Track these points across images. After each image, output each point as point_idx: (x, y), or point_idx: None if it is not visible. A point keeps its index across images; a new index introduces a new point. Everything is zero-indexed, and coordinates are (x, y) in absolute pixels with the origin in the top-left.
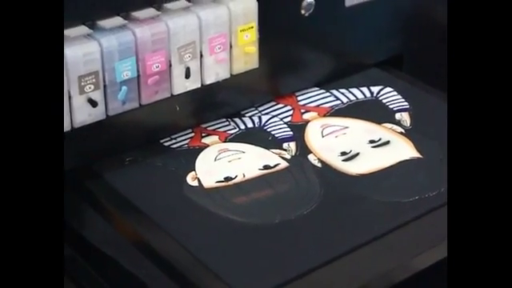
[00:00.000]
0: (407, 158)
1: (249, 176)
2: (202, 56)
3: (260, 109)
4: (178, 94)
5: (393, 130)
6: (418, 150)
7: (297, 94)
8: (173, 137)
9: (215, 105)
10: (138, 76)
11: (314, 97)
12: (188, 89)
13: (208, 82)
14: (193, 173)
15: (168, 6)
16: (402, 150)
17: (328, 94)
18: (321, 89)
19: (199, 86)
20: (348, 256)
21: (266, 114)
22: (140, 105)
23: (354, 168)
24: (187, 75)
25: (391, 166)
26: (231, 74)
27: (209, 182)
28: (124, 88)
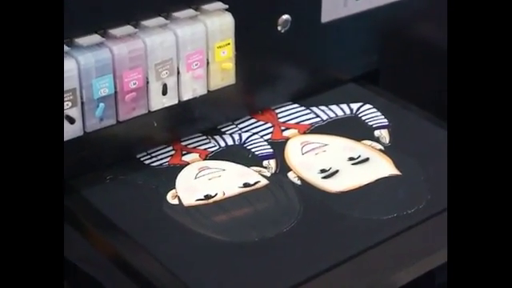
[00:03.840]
0: (386, 175)
1: (229, 194)
2: (179, 73)
3: (240, 126)
4: (156, 110)
5: (372, 147)
6: (397, 167)
7: (277, 111)
8: (153, 154)
9: (192, 120)
10: (116, 93)
11: (294, 114)
12: (165, 105)
13: (185, 98)
14: (173, 191)
15: (145, 23)
16: (381, 168)
17: (308, 111)
18: (301, 106)
19: (176, 102)
20: (327, 274)
21: (247, 131)
22: (117, 121)
23: (333, 185)
24: (164, 92)
25: (370, 183)
26: (208, 90)
27: (189, 200)
28: (101, 105)
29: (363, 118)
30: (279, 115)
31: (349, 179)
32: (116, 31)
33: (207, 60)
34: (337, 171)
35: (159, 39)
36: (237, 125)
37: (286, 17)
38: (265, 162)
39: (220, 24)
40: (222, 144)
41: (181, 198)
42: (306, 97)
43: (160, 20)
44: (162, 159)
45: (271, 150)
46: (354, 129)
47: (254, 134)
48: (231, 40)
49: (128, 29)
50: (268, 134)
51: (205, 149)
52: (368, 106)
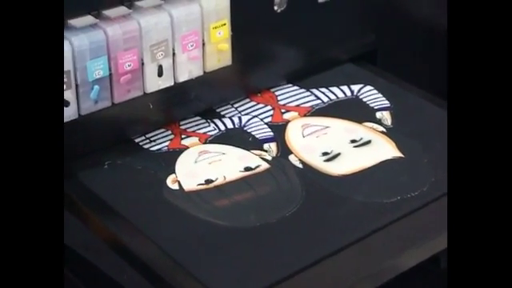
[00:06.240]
0: (389, 157)
1: (230, 178)
2: (174, 54)
3: (240, 109)
4: (151, 92)
5: (374, 129)
6: (400, 150)
7: (277, 93)
8: (152, 139)
9: (188, 102)
10: (110, 75)
11: (294, 96)
12: (161, 87)
13: (181, 79)
14: (173, 176)
15: (139, 3)
16: (384, 150)
17: (308, 93)
18: (301, 88)
19: (172, 83)
20: (331, 258)
21: (246, 114)
22: (112, 103)
23: (335, 168)
24: (160, 73)
25: (373, 166)
26: (204, 72)
27: (189, 185)
28: (96, 87)
29: (364, 99)
30: (279, 97)
31: (351, 162)
32: (110, 12)
33: (203, 41)
34: (339, 154)
35: (154, 20)
36: (236, 108)
37: None
38: (265, 146)
39: (215, 4)
40: (222, 127)
41: (181, 182)
42: (303, 77)
43: (155, 0)
44: (160, 143)
45: (272, 133)
46: (355, 111)
47: (253, 116)
48: (227, 20)
49: (122, 10)
50: (268, 116)
51: (204, 132)
52: (369, 87)
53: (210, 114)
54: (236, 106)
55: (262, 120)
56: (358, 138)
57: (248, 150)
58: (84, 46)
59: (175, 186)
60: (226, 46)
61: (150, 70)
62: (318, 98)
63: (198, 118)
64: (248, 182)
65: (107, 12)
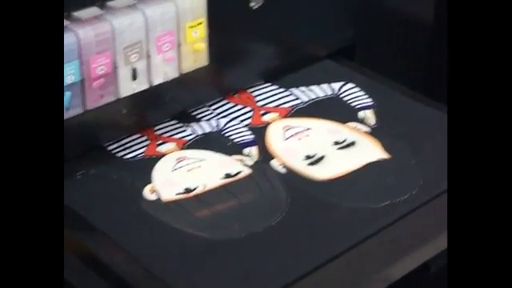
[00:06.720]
0: (375, 159)
1: (210, 186)
2: (149, 56)
3: (217, 111)
4: (125, 97)
5: (358, 129)
6: (386, 151)
7: (254, 93)
8: (126, 146)
9: (164, 106)
10: (82, 80)
11: (273, 96)
12: (135, 91)
13: (156, 82)
14: (150, 185)
15: (111, 3)
16: (369, 151)
17: (287, 92)
18: (280, 87)
19: (147, 87)
20: (322, 268)
21: (224, 116)
22: (85, 110)
23: (320, 173)
24: (134, 76)
25: (359, 169)
26: (180, 73)
27: (168, 195)
28: (67, 93)
29: (345, 98)
30: (257, 98)
31: (336, 165)
32: (81, 13)
33: (178, 41)
34: (323, 157)
35: (127, 21)
36: (214, 110)
37: None
38: (246, 150)
39: (191, 2)
40: (199, 131)
41: (159, 192)
42: (281, 75)
43: (128, 0)
44: (136, 150)
45: (252, 137)
46: (337, 110)
47: (232, 119)
48: (203, 19)
49: (94, 10)
50: (247, 118)
51: (181, 137)
52: (350, 85)
53: (187, 118)
54: (213, 108)
55: (241, 122)
56: (341, 140)
57: (228, 155)
58: None
59: (153, 197)
60: (203, 46)
61: (124, 73)
62: (298, 98)
63: (174, 121)
64: (229, 189)
65: (78, 13)
